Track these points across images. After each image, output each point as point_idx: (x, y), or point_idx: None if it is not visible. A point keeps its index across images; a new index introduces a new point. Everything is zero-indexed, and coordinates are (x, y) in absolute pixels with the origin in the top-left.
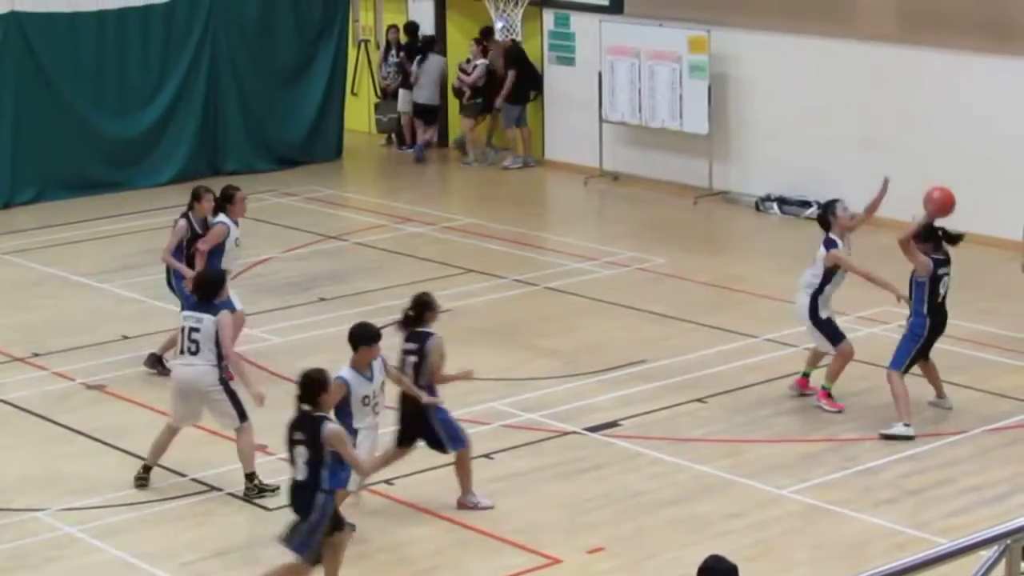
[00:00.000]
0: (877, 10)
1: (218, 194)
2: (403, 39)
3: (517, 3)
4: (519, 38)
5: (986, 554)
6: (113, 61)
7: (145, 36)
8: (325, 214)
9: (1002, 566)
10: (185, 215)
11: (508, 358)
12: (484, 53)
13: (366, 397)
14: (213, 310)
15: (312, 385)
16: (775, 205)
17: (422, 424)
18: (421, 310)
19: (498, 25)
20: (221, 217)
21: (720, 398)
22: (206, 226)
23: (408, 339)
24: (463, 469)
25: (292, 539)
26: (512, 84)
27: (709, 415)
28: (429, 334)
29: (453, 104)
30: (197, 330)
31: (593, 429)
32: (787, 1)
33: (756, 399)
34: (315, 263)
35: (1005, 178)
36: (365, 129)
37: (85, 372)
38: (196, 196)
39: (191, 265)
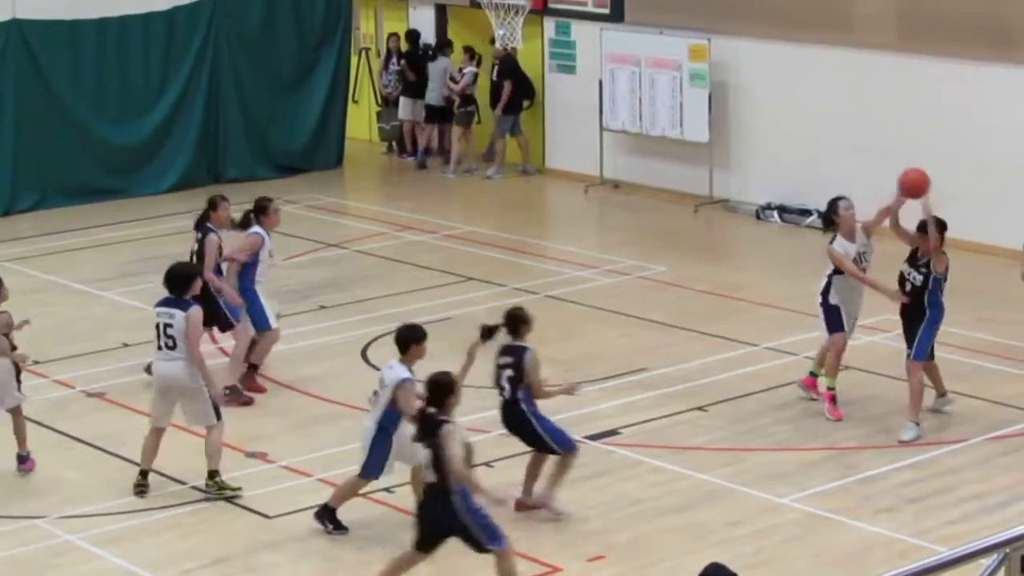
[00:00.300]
0: (876, 18)
1: (252, 205)
2: (404, 47)
3: (518, 11)
4: (520, 46)
5: (986, 562)
6: (114, 68)
7: (146, 43)
8: (326, 222)
9: (1002, 574)
10: (204, 226)
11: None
12: (474, 61)
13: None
14: (184, 305)
15: (441, 389)
16: (775, 213)
17: (526, 433)
18: (516, 324)
19: (499, 33)
20: (255, 228)
21: (720, 406)
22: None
23: (503, 353)
24: (564, 470)
25: (480, 540)
26: (508, 94)
27: (709, 423)
28: (524, 348)
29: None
30: (171, 325)
31: (594, 437)
32: (787, 10)
33: (756, 407)
34: (315, 271)
35: (1004, 186)
36: (366, 137)
37: (85, 380)
38: (212, 205)
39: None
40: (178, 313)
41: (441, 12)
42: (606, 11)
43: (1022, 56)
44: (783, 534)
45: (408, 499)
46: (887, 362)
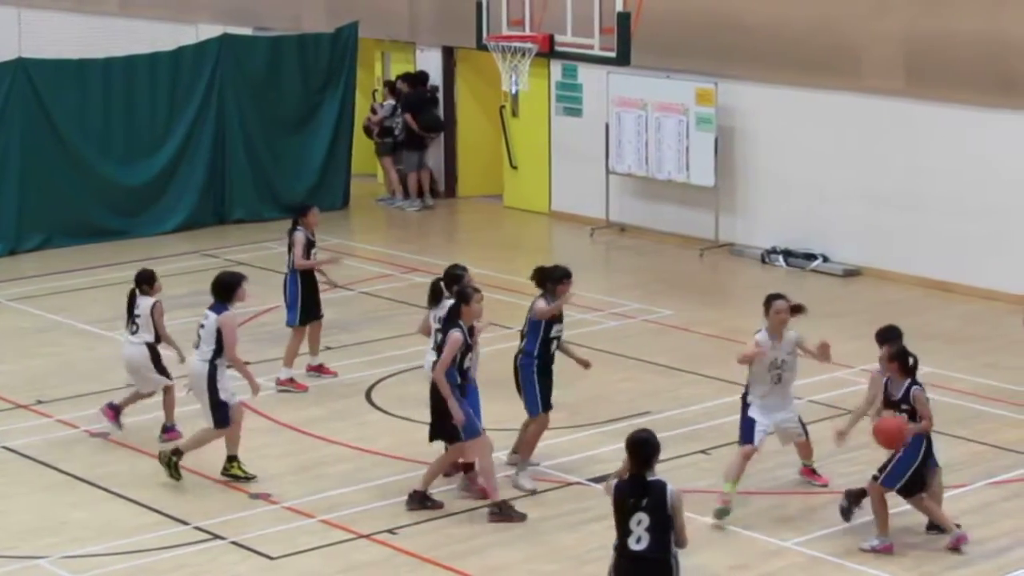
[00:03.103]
0: (884, 64)
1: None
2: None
3: (524, 54)
4: (526, 88)
5: None
6: (120, 109)
7: (152, 84)
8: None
9: None
10: (295, 227)
11: (513, 409)
12: (394, 95)
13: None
14: (219, 309)
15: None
16: (781, 258)
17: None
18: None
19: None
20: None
21: (723, 450)
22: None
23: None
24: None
25: None
26: (406, 128)
27: (712, 467)
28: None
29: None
30: (203, 326)
31: (597, 480)
32: (795, 54)
33: (760, 452)
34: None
35: (1008, 232)
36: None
37: (89, 420)
38: (303, 211)
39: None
40: (211, 315)
41: (448, 55)
42: (612, 55)
43: None
44: None
45: (411, 540)
46: None
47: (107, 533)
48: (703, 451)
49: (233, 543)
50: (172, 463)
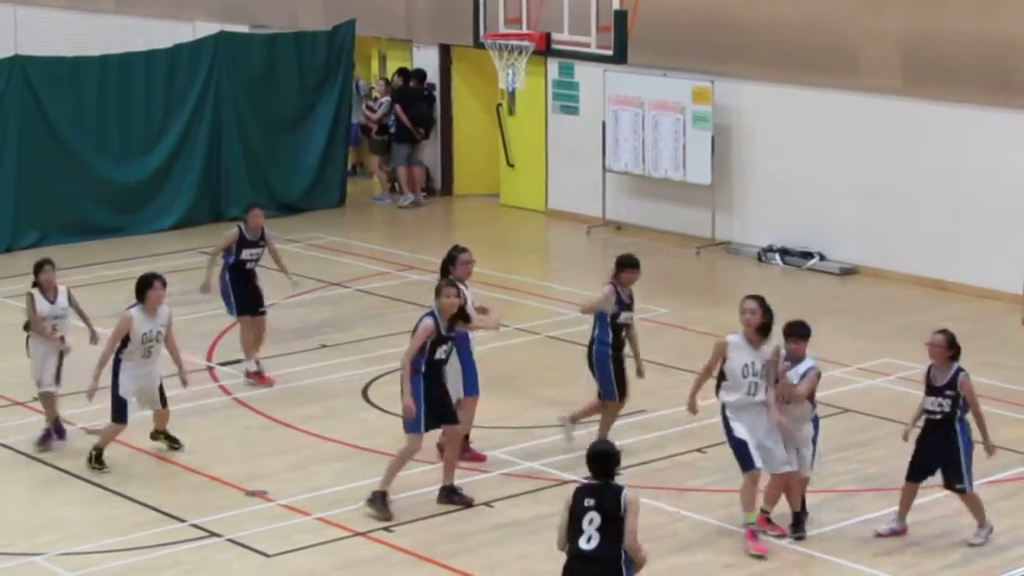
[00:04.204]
0: (880, 63)
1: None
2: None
3: (521, 52)
4: (522, 86)
5: None
6: (116, 107)
7: (148, 82)
8: (328, 261)
9: None
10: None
11: (509, 407)
12: (389, 92)
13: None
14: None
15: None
16: (777, 256)
17: None
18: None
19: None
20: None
21: (719, 448)
22: None
23: None
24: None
25: None
26: (397, 121)
27: (708, 465)
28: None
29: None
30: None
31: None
32: (791, 53)
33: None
34: (317, 310)
35: (1006, 230)
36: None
37: (85, 417)
38: (246, 210)
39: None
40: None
41: (445, 52)
42: (609, 53)
43: (1023, 101)
44: None
45: (411, 536)
46: (886, 406)
47: (102, 530)
48: (699, 449)
49: (229, 540)
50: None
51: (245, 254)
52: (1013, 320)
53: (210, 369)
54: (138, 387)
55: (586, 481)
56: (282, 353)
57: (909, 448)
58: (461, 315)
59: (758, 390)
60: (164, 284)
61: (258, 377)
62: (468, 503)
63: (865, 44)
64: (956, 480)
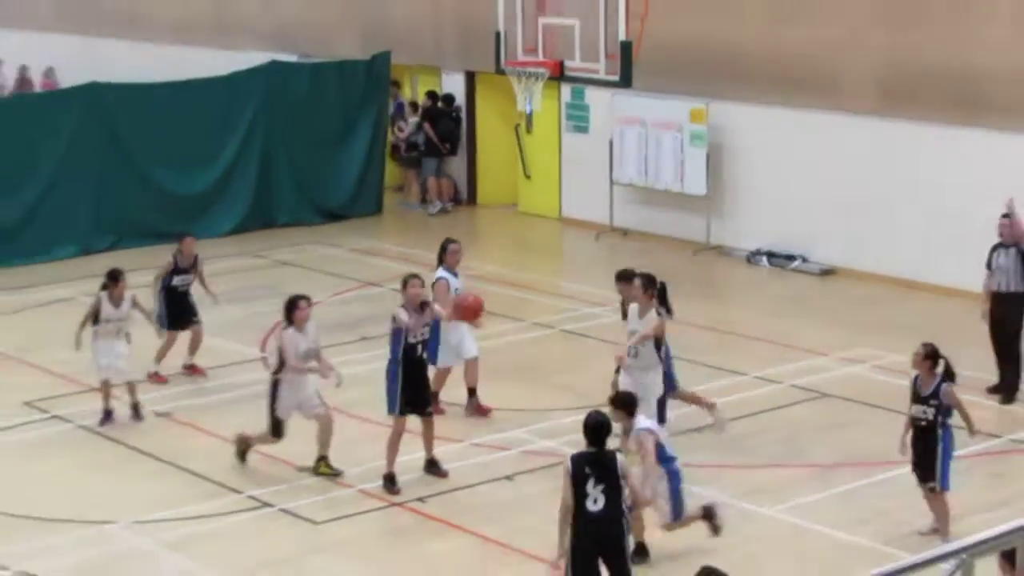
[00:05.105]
0: (859, 85)
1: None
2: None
3: (537, 78)
4: (538, 108)
5: (946, 567)
6: (180, 127)
7: (208, 105)
8: (366, 263)
9: None
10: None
11: (528, 393)
12: (417, 113)
13: None
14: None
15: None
16: (764, 258)
17: None
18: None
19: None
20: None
21: (713, 428)
22: None
23: None
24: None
25: None
26: (426, 137)
27: (703, 443)
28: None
29: (486, 165)
30: None
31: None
32: (778, 77)
33: (745, 429)
34: (358, 306)
35: (968, 235)
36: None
37: (154, 401)
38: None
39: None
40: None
41: (470, 78)
42: (616, 78)
43: (989, 121)
44: (769, 543)
45: (441, 507)
46: (861, 391)
47: (170, 501)
48: (695, 429)
49: (281, 510)
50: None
51: (177, 280)
52: (974, 315)
53: (263, 359)
54: (297, 400)
55: (582, 450)
56: (328, 345)
57: (883, 426)
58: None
59: (637, 354)
60: (309, 303)
61: (192, 369)
62: (444, 475)
63: (844, 70)
64: (930, 478)
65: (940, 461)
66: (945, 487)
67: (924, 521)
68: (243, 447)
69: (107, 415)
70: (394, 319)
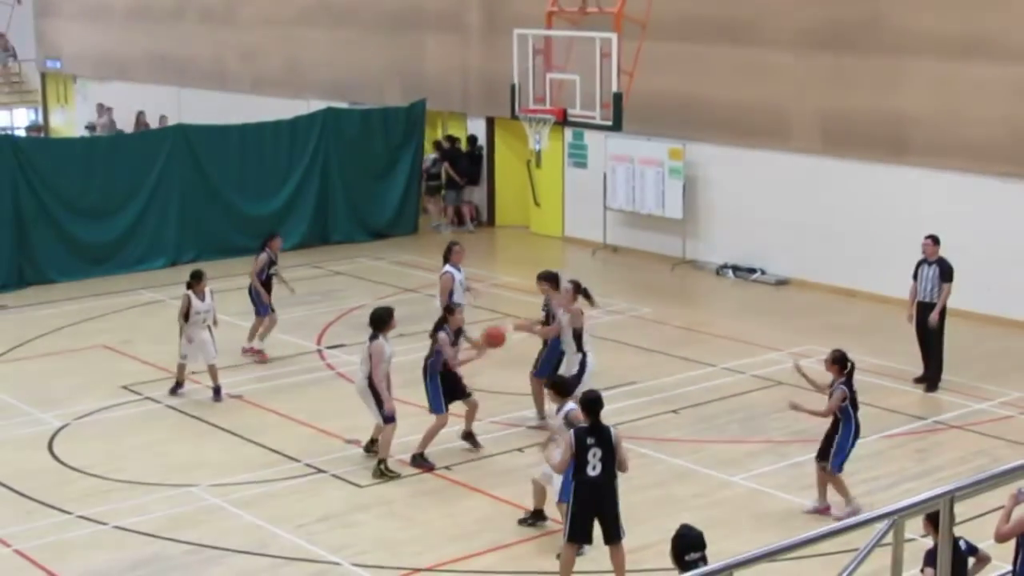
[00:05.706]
0: (807, 130)
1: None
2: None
3: (545, 122)
4: (546, 147)
5: (879, 526)
6: (252, 161)
7: (275, 143)
8: (405, 273)
9: (890, 536)
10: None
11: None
12: (437, 152)
13: None
14: (371, 337)
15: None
16: (730, 271)
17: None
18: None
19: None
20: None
21: (688, 410)
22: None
23: None
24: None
25: None
26: (446, 174)
27: (680, 422)
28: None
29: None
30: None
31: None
32: (740, 124)
33: (714, 411)
34: (399, 309)
35: (897, 252)
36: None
37: (228, 386)
38: (270, 237)
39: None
40: (366, 343)
41: (490, 123)
42: (609, 123)
43: (911, 160)
44: (733, 504)
45: (465, 473)
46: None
47: (242, 468)
48: (673, 411)
49: (332, 475)
50: (382, 471)
51: (271, 270)
52: (902, 318)
53: (319, 351)
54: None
55: (582, 425)
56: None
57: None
58: (460, 332)
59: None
60: (391, 314)
61: (253, 351)
62: (479, 447)
63: (794, 118)
64: (824, 458)
65: (836, 447)
66: (835, 469)
67: (808, 503)
68: (382, 464)
69: (178, 385)
70: (438, 341)
